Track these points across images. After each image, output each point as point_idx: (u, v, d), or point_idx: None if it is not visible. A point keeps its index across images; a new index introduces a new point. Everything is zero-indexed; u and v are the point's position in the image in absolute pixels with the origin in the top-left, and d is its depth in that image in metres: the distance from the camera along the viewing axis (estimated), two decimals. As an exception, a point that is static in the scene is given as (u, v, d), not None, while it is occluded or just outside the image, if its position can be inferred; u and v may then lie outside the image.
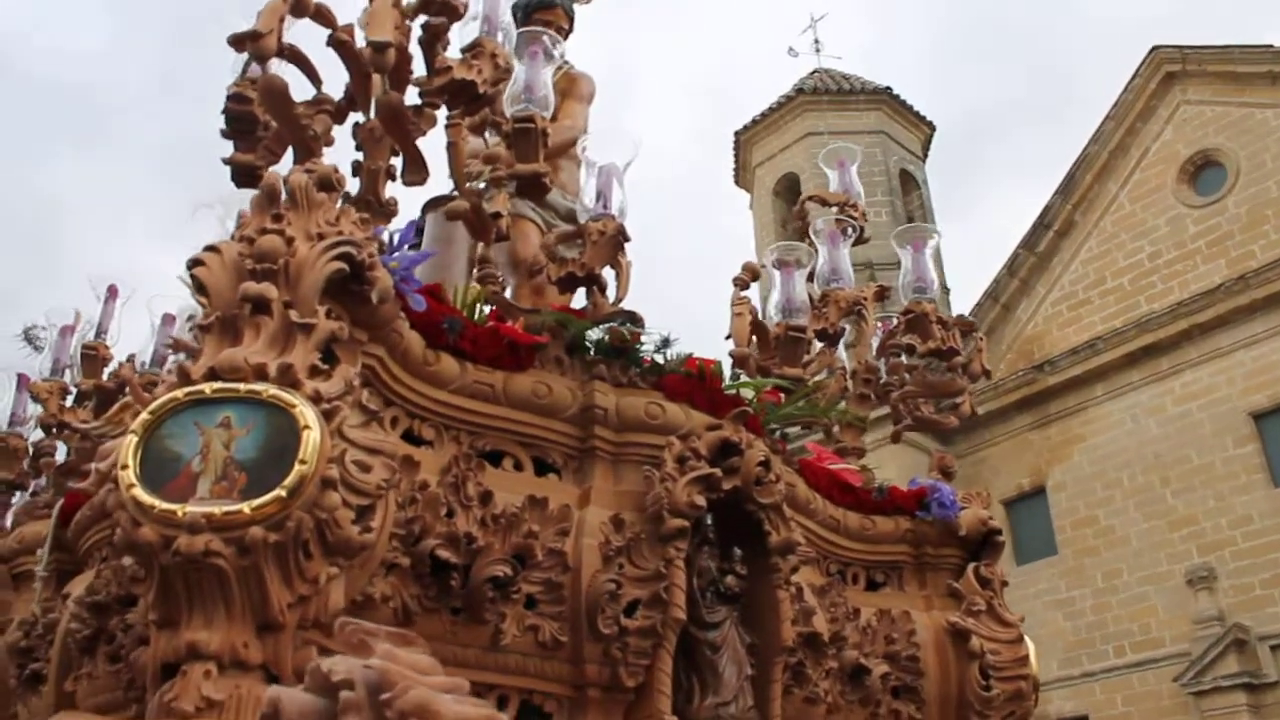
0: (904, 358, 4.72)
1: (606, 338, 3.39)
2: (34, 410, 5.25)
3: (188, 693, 2.23)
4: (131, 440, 2.36)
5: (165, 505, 2.27)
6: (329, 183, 2.77)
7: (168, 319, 4.37)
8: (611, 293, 3.67)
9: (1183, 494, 18.81)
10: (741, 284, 4.66)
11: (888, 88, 27.41)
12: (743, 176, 28.71)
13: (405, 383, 2.96)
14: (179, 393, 2.40)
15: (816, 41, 29.63)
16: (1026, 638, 4.18)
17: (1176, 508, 18.80)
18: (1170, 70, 21.71)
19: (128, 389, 3.83)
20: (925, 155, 27.94)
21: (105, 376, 4.81)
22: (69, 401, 4.79)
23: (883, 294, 5.07)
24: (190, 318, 4.23)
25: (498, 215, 3.82)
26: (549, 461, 3.26)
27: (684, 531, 3.10)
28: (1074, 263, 22.15)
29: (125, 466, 2.33)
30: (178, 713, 2.19)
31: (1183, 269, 20.34)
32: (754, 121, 27.81)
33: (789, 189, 26.54)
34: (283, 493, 2.26)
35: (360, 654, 1.52)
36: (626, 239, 3.61)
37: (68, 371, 4.95)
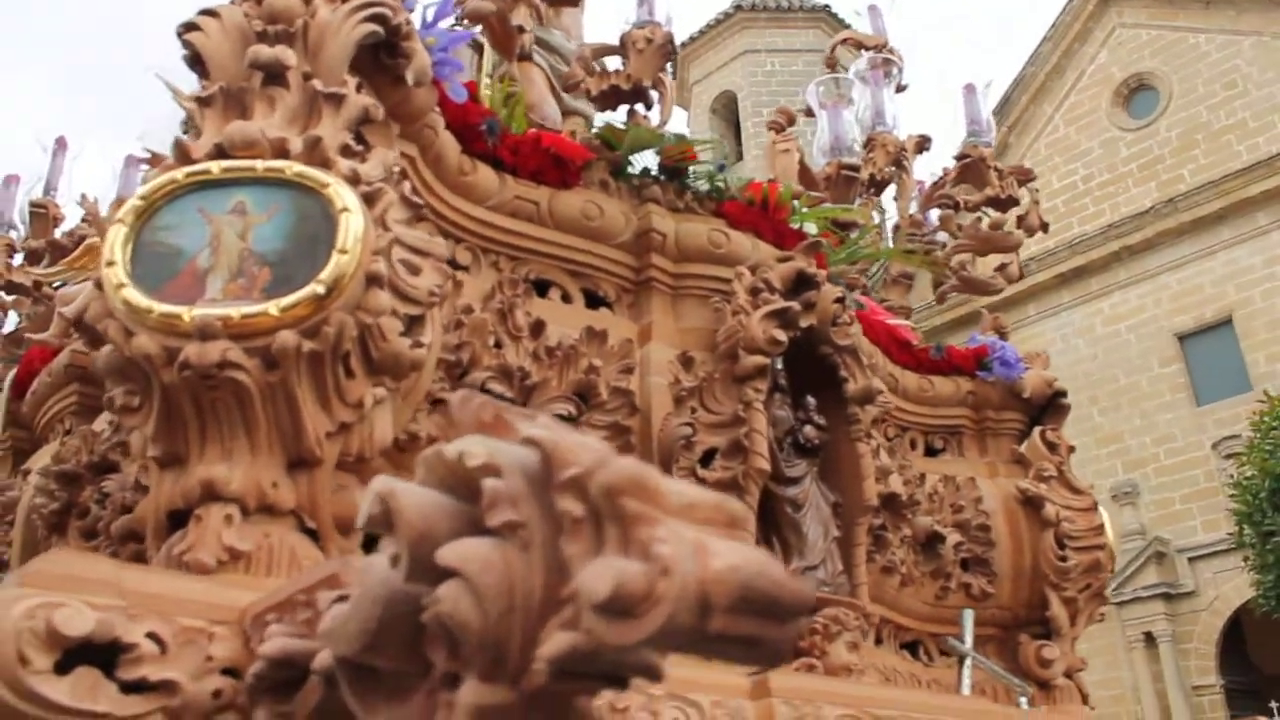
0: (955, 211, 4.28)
1: (659, 157, 2.91)
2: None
3: (205, 541, 1.76)
4: (119, 231, 1.85)
5: (167, 308, 1.78)
6: (346, -62, 2.25)
7: (131, 161, 3.82)
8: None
9: (1110, 412, 19.02)
10: (777, 127, 4.18)
11: (826, 5, 26.81)
12: (679, 94, 28.14)
13: (438, 194, 2.47)
14: (178, 173, 1.89)
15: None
16: (1100, 506, 3.82)
17: (1103, 425, 19.00)
18: (1107, -8, 21.39)
19: (92, 227, 3.30)
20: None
21: (58, 235, 4.26)
22: (17, 262, 4.24)
23: (924, 144, 4.61)
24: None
25: (520, 29, 3.31)
26: (599, 294, 2.79)
27: (763, 370, 2.66)
28: (1008, 184, 22.00)
29: (112, 263, 1.83)
30: (195, 565, 1.73)
31: (1114, 191, 20.31)
32: (691, 39, 27.10)
33: (726, 107, 26.02)
34: (319, 289, 1.77)
35: (497, 434, 1.05)
36: (674, 50, 3.12)
37: (13, 233, 4.40)
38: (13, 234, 4.29)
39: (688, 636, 0.82)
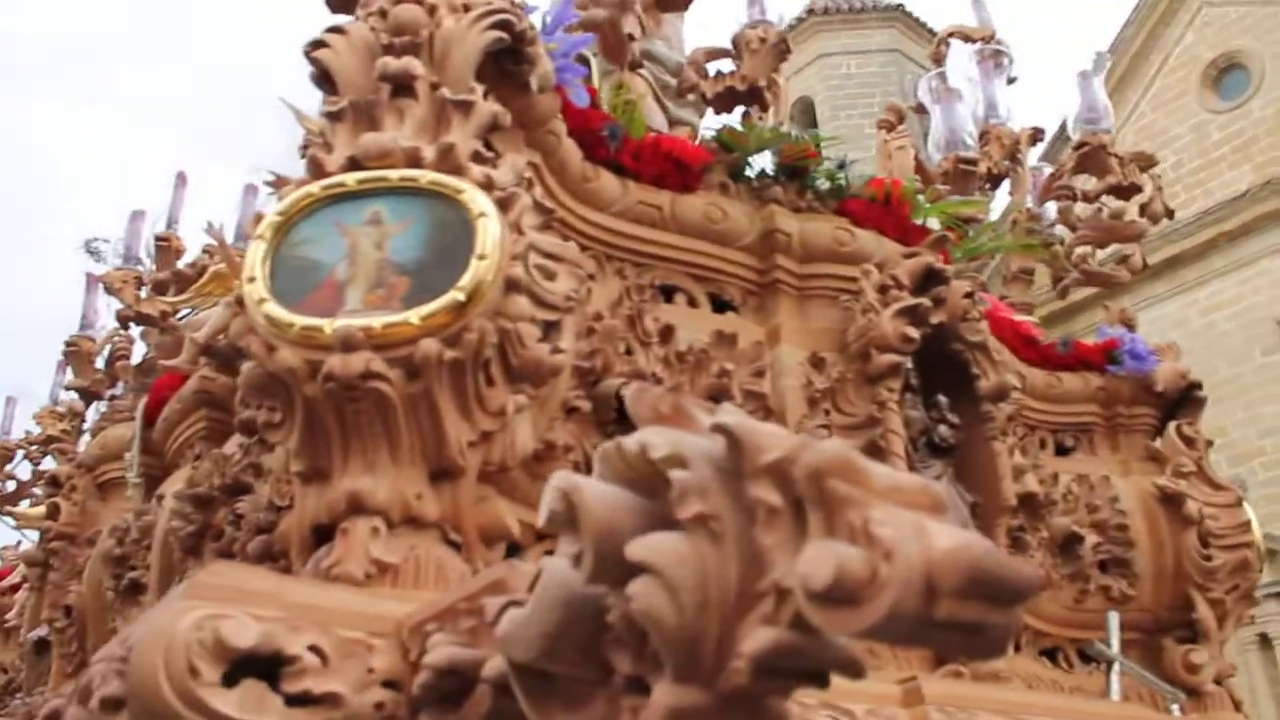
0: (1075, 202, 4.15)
1: (778, 157, 2.86)
2: (105, 315, 4.85)
3: (353, 554, 1.75)
4: (259, 248, 1.87)
5: (308, 321, 1.78)
6: (465, -51, 2.24)
7: (250, 190, 3.89)
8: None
9: (1211, 405, 18.03)
10: (887, 126, 4.10)
11: (899, 4, 26.39)
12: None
13: (561, 201, 2.45)
14: (314, 187, 1.90)
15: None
16: (1246, 502, 3.65)
17: (1206, 420, 18.16)
18: (1192, -30, 20.73)
19: (216, 255, 3.36)
20: (940, 73, 27.06)
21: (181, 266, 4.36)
22: (144, 294, 4.34)
23: (1038, 136, 4.49)
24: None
25: (631, 37, 3.29)
26: (725, 298, 2.75)
27: (896, 369, 2.60)
28: (1096, 176, 21.37)
29: (253, 279, 1.84)
30: (344, 578, 1.72)
31: (1207, 177, 19.42)
32: (765, 46, 26.95)
33: (804, 114, 25.74)
34: (459, 296, 1.76)
35: (677, 425, 1.02)
36: (788, 49, 3.07)
37: (140, 266, 4.52)
38: (140, 268, 4.40)
39: (911, 624, 0.77)
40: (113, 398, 4.51)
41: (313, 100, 2.43)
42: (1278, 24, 19.47)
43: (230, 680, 1.27)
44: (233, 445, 3.07)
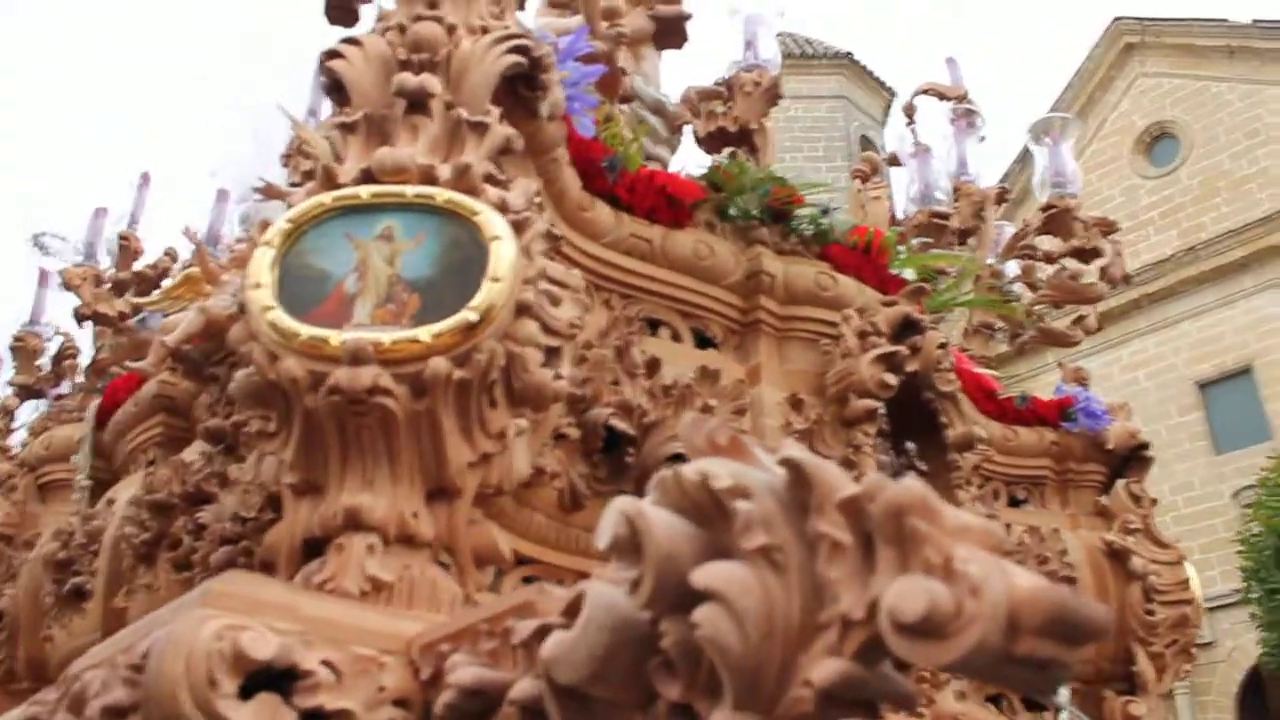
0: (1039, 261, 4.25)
1: (766, 198, 2.90)
2: (52, 314, 4.75)
3: (348, 570, 1.73)
4: (266, 254, 1.85)
5: (315, 332, 1.77)
6: (482, -28, 2.26)
7: (223, 195, 3.84)
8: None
9: None
10: (862, 176, 4.17)
11: (849, 53, 26.96)
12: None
13: (558, 229, 2.46)
14: (325, 197, 1.89)
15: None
16: (1186, 561, 3.75)
17: None
18: (1130, 41, 21.61)
19: (193, 256, 3.32)
20: (885, 121, 27.61)
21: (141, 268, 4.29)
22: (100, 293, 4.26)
23: (1004, 196, 4.60)
24: (245, 219, 3.66)
25: (624, 71, 3.33)
26: (707, 334, 2.77)
27: (872, 414, 2.64)
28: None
29: (259, 285, 1.82)
30: (339, 593, 1.70)
31: (1135, 239, 20.28)
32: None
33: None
34: (471, 316, 1.75)
35: (733, 458, 1.03)
36: (780, 94, 3.12)
37: (98, 263, 4.43)
38: (97, 265, 4.32)
39: (992, 659, 0.79)
40: (58, 397, 4.41)
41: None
42: (1208, 98, 20.37)
43: (245, 693, 1.26)
44: (193, 453, 3.01)
